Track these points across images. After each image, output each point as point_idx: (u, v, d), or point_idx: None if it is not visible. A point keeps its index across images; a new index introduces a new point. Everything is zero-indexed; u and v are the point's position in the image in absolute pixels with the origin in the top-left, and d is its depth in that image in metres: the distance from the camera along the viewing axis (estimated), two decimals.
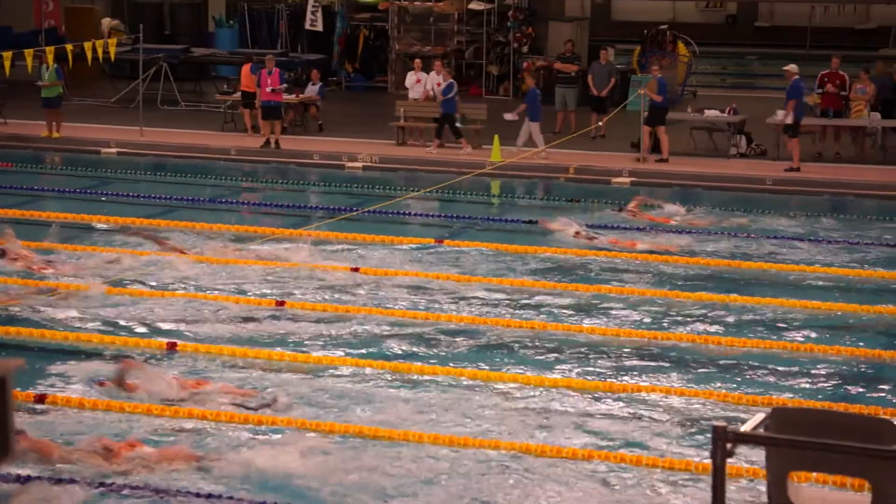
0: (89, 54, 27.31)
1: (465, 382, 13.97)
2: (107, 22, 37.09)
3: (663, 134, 26.44)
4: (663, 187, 24.77)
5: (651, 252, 19.72)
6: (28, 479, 11.17)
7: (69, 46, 28.41)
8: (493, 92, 34.71)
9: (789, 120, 25.59)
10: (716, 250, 20.11)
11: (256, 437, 12.43)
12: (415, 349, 15.16)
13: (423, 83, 28.68)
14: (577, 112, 28.83)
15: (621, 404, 13.47)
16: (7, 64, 26.72)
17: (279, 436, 12.40)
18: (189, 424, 12.69)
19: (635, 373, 14.49)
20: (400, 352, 15.07)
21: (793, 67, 25.91)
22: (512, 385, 13.86)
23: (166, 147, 28.06)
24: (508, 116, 27.26)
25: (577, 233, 20.56)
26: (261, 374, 14.17)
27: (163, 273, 18.06)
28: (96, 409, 13.01)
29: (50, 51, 27.34)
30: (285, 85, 28.17)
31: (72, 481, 11.20)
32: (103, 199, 23.68)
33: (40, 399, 13.15)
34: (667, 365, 14.76)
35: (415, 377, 14.12)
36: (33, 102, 29.30)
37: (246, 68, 28.78)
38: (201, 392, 13.41)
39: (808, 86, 25.92)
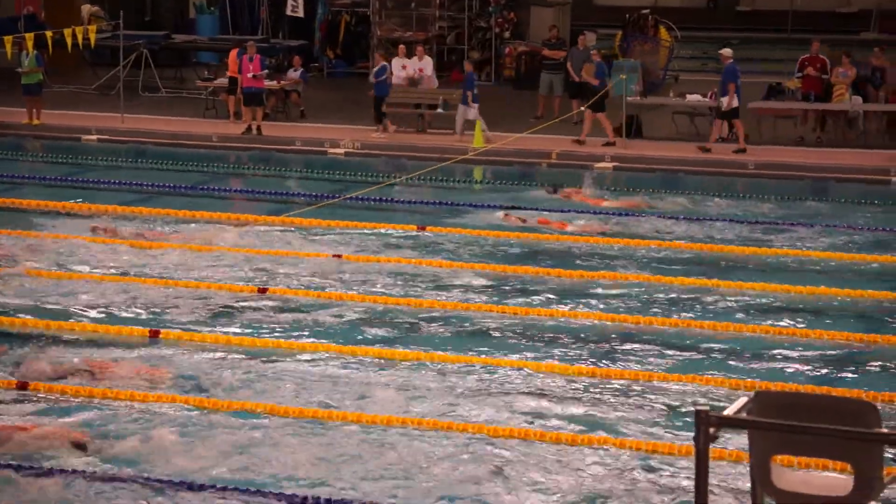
0: (69, 41, 27.18)
1: (440, 366, 13.95)
2: (87, 8, 36.87)
3: (604, 119, 26.49)
4: (646, 172, 24.77)
5: (582, 234, 19.86)
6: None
7: (49, 33, 28.25)
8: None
9: (735, 103, 25.71)
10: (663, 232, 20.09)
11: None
12: (377, 333, 15.15)
13: (408, 69, 28.63)
14: (564, 98, 28.76)
15: (603, 389, 13.48)
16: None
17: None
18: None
19: (618, 357, 14.48)
20: (370, 336, 15.06)
21: (727, 51, 26.20)
22: (492, 369, 13.86)
23: (147, 134, 27.96)
24: (471, 114, 27.09)
25: (506, 215, 20.72)
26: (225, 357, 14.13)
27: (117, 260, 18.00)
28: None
29: (29, 37, 27.21)
30: (266, 71, 28.06)
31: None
32: (82, 186, 23.55)
33: None
34: (649, 350, 14.75)
35: (372, 360, 14.08)
36: (13, 89, 29.16)
37: (233, 54, 28.63)
38: (108, 372, 13.39)
39: (741, 69, 26.15)
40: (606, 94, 26.64)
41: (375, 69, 28.16)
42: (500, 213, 20.95)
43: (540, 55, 30.44)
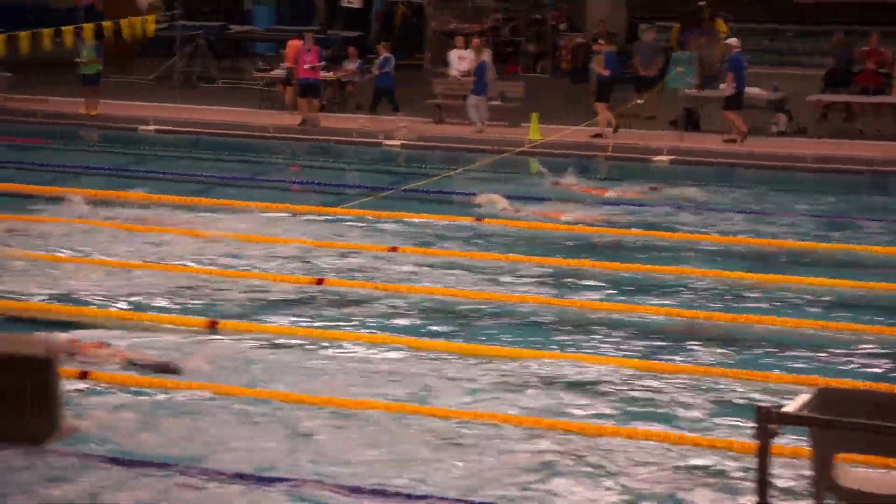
0: (128, 32, 27.32)
1: (500, 363, 13.92)
2: None
3: (604, 110, 26.40)
4: (704, 166, 24.64)
5: (578, 223, 19.98)
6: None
7: (107, 24, 28.44)
8: (530, 70, 34.55)
9: (729, 91, 25.59)
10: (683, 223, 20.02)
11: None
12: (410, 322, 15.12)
13: (465, 61, 28.62)
14: (618, 91, 28.60)
15: (661, 384, 13.38)
16: (47, 41, 26.78)
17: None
18: None
19: (676, 352, 14.37)
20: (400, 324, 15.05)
21: (733, 41, 26.40)
22: (548, 362, 13.76)
23: (204, 124, 28.06)
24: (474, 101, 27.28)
25: (504, 208, 20.80)
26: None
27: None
28: None
29: (88, 28, 27.37)
30: (322, 62, 28.08)
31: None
32: (141, 176, 23.70)
33: None
34: (708, 345, 14.64)
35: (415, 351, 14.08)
36: (73, 80, 29.36)
37: (291, 45, 28.63)
38: (93, 355, 13.43)
39: (800, 62, 26.10)
40: (613, 84, 26.41)
41: (378, 61, 28.15)
42: (500, 205, 21.00)
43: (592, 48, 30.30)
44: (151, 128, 28.00)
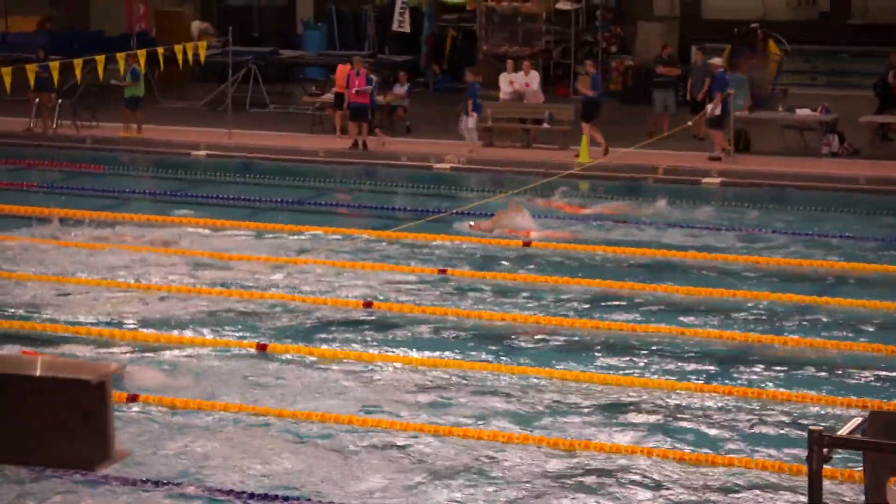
0: (180, 57, 27.53)
1: (551, 382, 13.87)
2: (196, 25, 37.37)
3: (595, 131, 26.49)
4: (754, 187, 24.49)
5: (547, 241, 20.10)
6: None
7: (160, 49, 28.67)
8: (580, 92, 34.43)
9: (718, 112, 25.81)
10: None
11: None
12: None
13: (514, 84, 28.62)
14: (676, 114, 28.45)
15: (711, 406, 13.31)
16: (100, 68, 27.02)
17: None
18: None
19: (725, 375, 14.29)
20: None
21: (717, 61, 26.63)
22: (596, 387, 13.78)
23: (255, 149, 28.18)
24: (465, 122, 27.57)
25: (473, 224, 20.96)
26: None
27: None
28: None
29: (139, 54, 27.54)
30: (370, 87, 28.13)
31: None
32: (192, 201, 23.81)
33: None
34: (757, 367, 14.54)
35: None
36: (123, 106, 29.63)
37: (341, 69, 28.73)
38: None
39: (852, 83, 26.01)
40: (600, 105, 26.76)
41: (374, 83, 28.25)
42: (468, 224, 21.10)
43: (651, 72, 30.14)
44: (203, 153, 28.14)
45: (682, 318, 16.27)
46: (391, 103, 30.24)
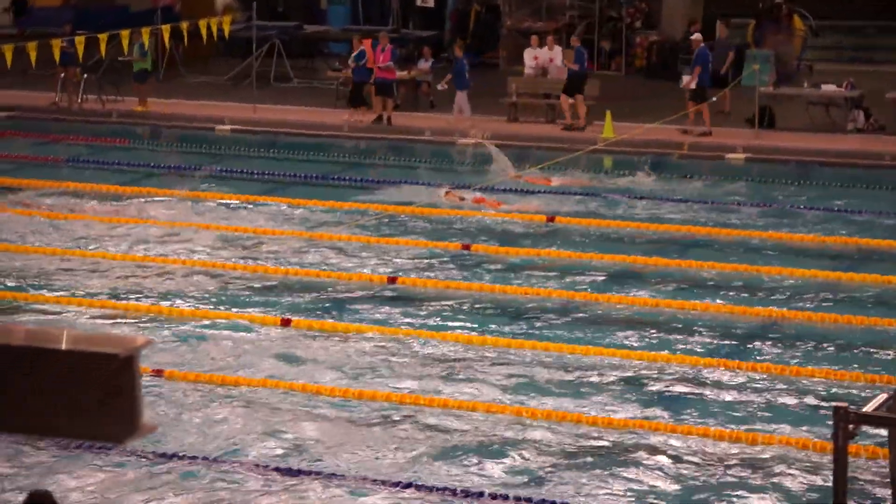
0: (204, 32, 27.53)
1: (577, 359, 13.87)
2: (221, 0, 37.35)
3: (581, 103, 26.59)
4: (779, 164, 24.41)
5: (518, 213, 20.23)
6: None
7: (184, 24, 28.67)
8: (605, 67, 34.33)
9: (693, 85, 25.96)
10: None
11: None
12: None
13: (539, 59, 28.53)
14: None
15: (735, 382, 13.29)
16: (125, 43, 27.06)
17: None
18: None
19: (751, 351, 14.28)
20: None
21: (697, 36, 26.74)
22: (622, 361, 13.76)
23: (279, 124, 28.18)
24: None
25: (448, 192, 21.21)
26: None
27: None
28: None
29: (146, 31, 27.51)
30: (391, 62, 28.02)
31: None
32: (217, 175, 23.84)
33: None
34: (783, 343, 14.53)
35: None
36: (150, 80, 29.68)
37: (367, 44, 28.66)
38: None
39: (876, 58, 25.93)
40: (585, 78, 26.95)
41: (354, 54, 28.18)
42: (443, 191, 21.29)
43: (677, 48, 29.98)
44: (228, 127, 28.16)
45: (706, 294, 16.23)
46: (415, 78, 30.18)
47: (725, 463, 11.35)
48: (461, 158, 25.37)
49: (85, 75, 29.63)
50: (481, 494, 10.54)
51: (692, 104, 26.11)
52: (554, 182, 22.53)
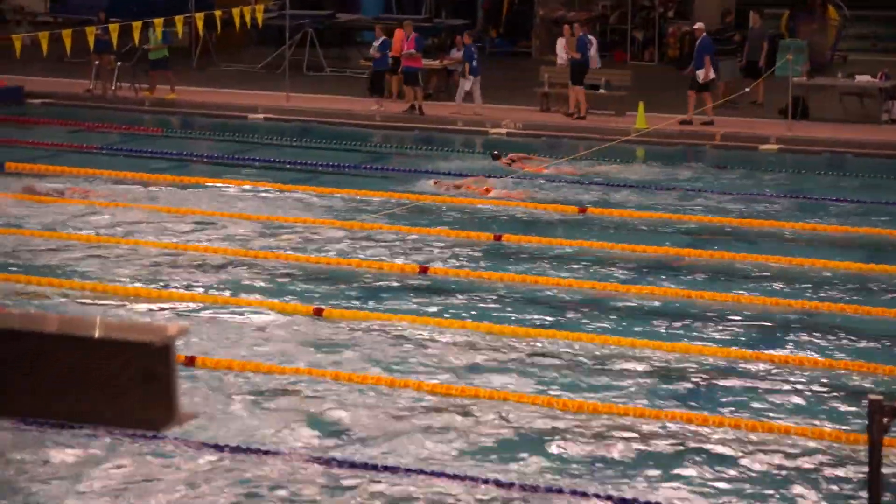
0: (237, 20, 27.57)
1: (608, 351, 13.87)
2: None
3: (581, 93, 26.55)
4: (813, 154, 24.29)
5: (504, 199, 20.40)
6: None
7: (218, 13, 28.72)
8: (637, 57, 34.24)
9: (713, 75, 25.98)
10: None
11: None
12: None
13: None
14: (735, 80, 28.21)
15: (770, 375, 13.22)
16: (159, 31, 27.11)
17: None
18: None
19: (786, 343, 14.21)
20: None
21: (700, 25, 26.78)
22: (656, 353, 13.69)
23: (311, 113, 28.19)
24: (459, 71, 28.18)
25: (436, 182, 21.29)
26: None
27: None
28: None
29: (180, 19, 27.56)
30: (413, 50, 27.95)
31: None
32: (249, 164, 23.86)
33: None
34: (817, 335, 14.44)
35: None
36: (183, 68, 29.72)
37: (398, 33, 28.66)
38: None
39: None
40: (587, 67, 26.91)
41: (377, 43, 28.14)
42: (431, 181, 21.37)
43: (717, 40, 29.81)
44: (260, 116, 28.19)
45: (739, 286, 16.15)
46: (447, 67, 30.16)
47: (758, 455, 11.28)
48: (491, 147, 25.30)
49: (119, 63, 29.72)
50: (511, 485, 10.51)
51: (693, 93, 26.08)
52: (548, 170, 22.51)
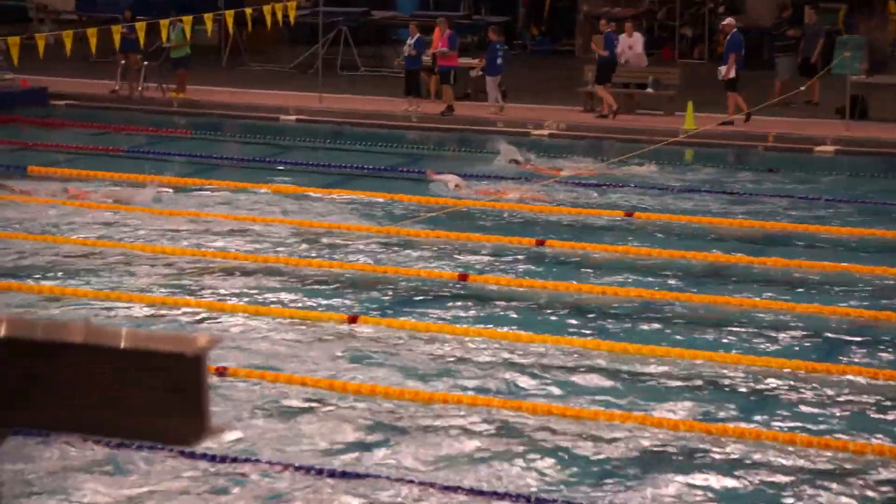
0: (269, 18, 26.88)
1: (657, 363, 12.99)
2: None
3: (605, 91, 26.08)
4: (871, 156, 23.57)
5: (521, 202, 19.96)
6: None
7: (248, 11, 28.01)
8: (686, 55, 33.36)
9: (732, 74, 25.45)
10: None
11: None
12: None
13: (616, 47, 27.53)
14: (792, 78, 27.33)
15: (825, 386, 12.57)
16: (187, 29, 26.45)
17: None
18: None
19: (839, 352, 13.60)
20: None
21: (730, 21, 26.25)
22: (706, 364, 13.08)
23: (345, 114, 27.53)
24: (472, 73, 27.80)
25: (457, 185, 20.81)
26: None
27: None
28: None
29: (209, 17, 26.88)
30: (445, 49, 27.15)
31: None
32: (281, 167, 23.26)
33: None
34: (876, 346, 13.80)
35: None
36: (212, 67, 29.14)
37: (437, 31, 27.89)
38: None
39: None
40: (615, 65, 26.35)
41: (411, 41, 27.33)
42: (452, 184, 20.91)
43: (767, 35, 28.96)
44: (292, 117, 27.64)
45: (793, 294, 15.51)
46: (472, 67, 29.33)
47: (812, 470, 10.76)
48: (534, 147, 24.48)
49: (145, 63, 29.01)
50: (555, 502, 10.03)
51: (729, 93, 25.42)
52: (564, 173, 21.92)
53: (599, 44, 26.65)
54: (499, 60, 26.89)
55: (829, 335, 14.18)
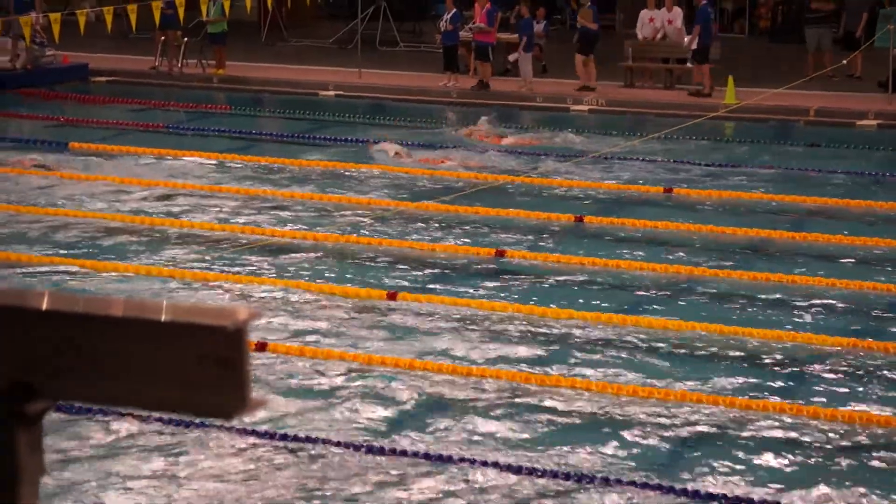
0: None
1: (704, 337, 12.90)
2: None
3: (591, 64, 26.00)
4: None
5: (469, 170, 20.19)
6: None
7: None
8: (727, 29, 33.06)
9: (695, 45, 25.48)
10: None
11: None
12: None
13: (655, 21, 27.28)
14: (834, 52, 26.96)
15: (868, 365, 12.42)
16: (227, 4, 26.42)
17: None
18: None
19: (878, 331, 13.39)
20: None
21: None
22: (743, 339, 12.99)
23: (385, 89, 27.42)
24: (511, 57, 27.57)
25: (397, 153, 20.92)
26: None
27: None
28: None
29: None
30: (483, 24, 26.94)
31: None
32: (320, 143, 23.19)
33: None
34: None
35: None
36: (253, 44, 29.08)
37: (477, 6, 27.69)
38: None
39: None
40: (598, 37, 26.47)
41: (447, 16, 27.07)
42: (392, 152, 21.12)
43: (803, 7, 28.62)
44: (331, 93, 27.53)
45: (834, 270, 15.31)
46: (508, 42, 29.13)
47: (854, 448, 10.66)
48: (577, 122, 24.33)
49: (185, 38, 28.99)
50: (592, 479, 9.95)
51: (696, 65, 25.27)
52: (505, 142, 22.17)
53: (588, 17, 26.53)
54: (533, 36, 26.84)
55: (872, 311, 14.02)
